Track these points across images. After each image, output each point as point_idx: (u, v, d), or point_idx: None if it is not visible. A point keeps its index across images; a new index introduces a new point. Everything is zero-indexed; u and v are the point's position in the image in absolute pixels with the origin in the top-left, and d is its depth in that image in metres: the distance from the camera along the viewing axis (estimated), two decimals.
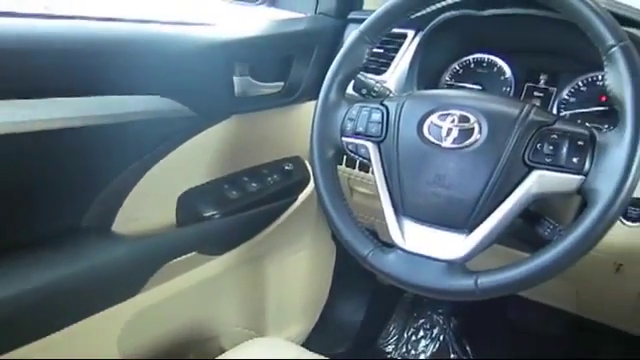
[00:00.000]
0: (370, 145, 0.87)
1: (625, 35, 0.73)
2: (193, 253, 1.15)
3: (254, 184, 1.23)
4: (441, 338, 1.72)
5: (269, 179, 1.26)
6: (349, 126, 0.90)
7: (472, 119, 0.80)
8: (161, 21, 1.04)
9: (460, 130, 0.80)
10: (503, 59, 1.14)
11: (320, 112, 0.92)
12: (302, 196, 1.33)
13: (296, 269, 1.53)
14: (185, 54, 1.02)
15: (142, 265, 1.07)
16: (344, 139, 0.90)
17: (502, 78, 1.13)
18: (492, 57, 1.14)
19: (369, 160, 0.88)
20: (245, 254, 1.31)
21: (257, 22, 1.20)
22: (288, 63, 1.25)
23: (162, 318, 1.22)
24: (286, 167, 1.30)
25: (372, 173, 0.88)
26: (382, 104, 0.89)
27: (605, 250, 0.94)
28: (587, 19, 0.75)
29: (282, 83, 1.26)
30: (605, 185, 0.70)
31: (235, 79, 1.17)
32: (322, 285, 1.67)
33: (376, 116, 0.87)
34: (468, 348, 1.70)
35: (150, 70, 0.98)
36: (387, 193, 0.85)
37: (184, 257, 1.13)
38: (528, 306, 1.43)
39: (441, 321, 1.74)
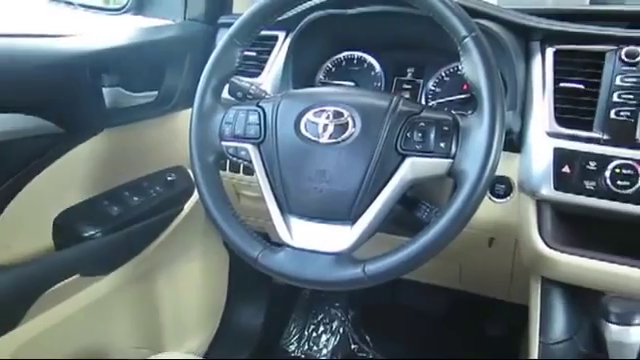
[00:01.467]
0: (250, 147, 0.88)
1: (475, 26, 0.79)
2: (76, 276, 1.10)
3: (136, 198, 1.19)
4: (341, 331, 1.76)
5: (152, 191, 1.23)
6: (227, 130, 0.89)
7: (346, 114, 0.83)
8: (15, 34, 0.98)
9: (335, 125, 0.82)
10: (372, 55, 1.18)
11: (196, 118, 0.91)
12: (188, 205, 1.31)
13: (190, 280, 1.50)
14: (44, 67, 0.97)
15: (19, 295, 1.00)
16: (223, 143, 0.90)
17: (373, 74, 1.18)
18: (362, 54, 1.19)
19: (250, 162, 0.88)
20: (134, 271, 1.27)
21: (123, 31, 1.17)
22: (161, 71, 1.23)
23: (49, 348, 1.14)
24: (169, 177, 1.27)
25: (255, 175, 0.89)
26: (258, 105, 0.89)
27: (479, 226, 1.01)
28: (441, 13, 0.80)
29: (156, 92, 1.23)
30: (471, 166, 0.75)
31: (105, 91, 1.12)
32: (218, 293, 1.65)
33: (253, 118, 0.88)
34: (367, 337, 1.75)
35: (8, 86, 0.92)
36: (271, 193, 0.86)
37: (66, 281, 1.07)
38: (418, 288, 1.50)
39: (339, 314, 1.78)
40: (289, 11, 1.01)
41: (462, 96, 1.09)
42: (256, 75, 1.18)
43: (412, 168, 0.79)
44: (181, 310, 1.49)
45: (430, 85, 1.13)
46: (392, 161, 0.80)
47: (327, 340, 1.76)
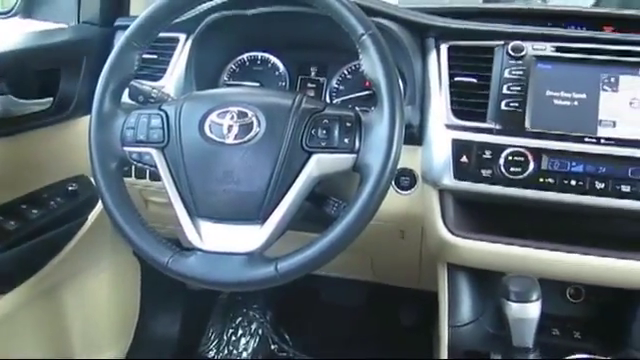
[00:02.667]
0: (154, 151, 0.86)
1: (372, 24, 0.82)
2: None
3: (35, 211, 1.13)
4: (260, 332, 1.76)
5: (52, 203, 1.17)
6: (129, 135, 0.87)
7: (250, 114, 0.83)
8: None
9: (240, 125, 0.82)
10: (275, 55, 1.19)
11: (96, 124, 0.88)
12: (93, 215, 1.26)
13: (100, 292, 1.45)
14: None
15: None
16: (126, 149, 0.88)
17: (277, 73, 1.18)
18: (265, 54, 1.19)
19: (155, 167, 0.86)
20: (37, 287, 1.20)
21: (10, 35, 1.10)
22: (55, 77, 1.17)
23: None
24: (70, 187, 1.21)
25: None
26: (160, 109, 0.88)
27: (387, 219, 1.05)
28: (338, 12, 0.82)
29: (52, 99, 1.17)
30: (374, 159, 0.78)
31: None
32: (131, 303, 1.60)
33: (156, 121, 0.86)
34: (287, 336, 1.76)
35: None
36: (178, 197, 0.84)
37: None
38: (334, 283, 1.52)
39: (257, 316, 1.77)
40: (188, 12, 1.00)
41: (365, 93, 1.12)
42: (158, 78, 1.15)
43: (318, 164, 0.80)
44: (92, 324, 1.44)
45: (334, 83, 1.15)
46: (298, 159, 0.81)
47: (247, 343, 1.75)
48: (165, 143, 0.85)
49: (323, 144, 0.80)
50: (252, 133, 0.82)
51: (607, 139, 0.93)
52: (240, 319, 1.78)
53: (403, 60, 1.03)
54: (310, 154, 0.81)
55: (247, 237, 0.81)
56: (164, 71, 1.16)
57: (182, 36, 1.17)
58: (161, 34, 0.93)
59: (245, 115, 0.83)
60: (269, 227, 0.80)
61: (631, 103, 0.95)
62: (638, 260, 0.94)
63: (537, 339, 0.88)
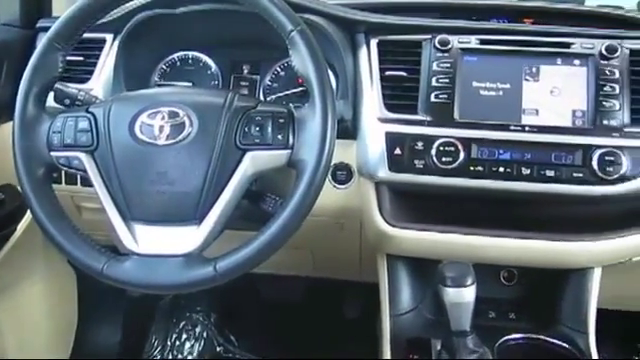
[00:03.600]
0: (83, 156, 0.83)
1: (300, 20, 0.82)
2: None
3: None
4: (205, 335, 1.74)
5: None
6: (56, 139, 0.84)
7: (181, 113, 0.82)
8: None
9: (172, 126, 0.81)
10: (207, 54, 1.18)
11: (19, 130, 0.85)
12: (22, 225, 1.21)
13: (34, 304, 1.40)
14: None
15: None
16: (53, 154, 0.85)
17: (209, 72, 1.17)
18: (196, 54, 1.18)
19: (85, 171, 0.84)
20: None
21: None
22: None
23: None
24: None
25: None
26: (88, 111, 0.85)
27: (325, 213, 1.06)
28: (266, 9, 0.82)
29: None
30: (308, 154, 0.79)
31: None
32: (68, 314, 1.55)
33: (83, 124, 0.84)
34: (232, 337, 1.75)
35: None
36: (111, 201, 0.82)
37: None
38: (276, 281, 1.52)
39: (201, 318, 1.75)
40: (114, 12, 0.97)
41: (298, 89, 1.12)
42: (85, 81, 1.12)
43: (253, 162, 0.80)
44: (28, 338, 1.38)
45: (267, 81, 1.15)
46: (233, 157, 0.80)
47: (191, 346, 1.72)
48: (94, 146, 0.83)
49: (257, 141, 0.80)
50: (184, 133, 0.81)
51: (531, 127, 0.97)
52: (184, 323, 1.75)
53: (334, 55, 1.04)
54: (244, 152, 0.80)
55: (184, 238, 0.80)
56: (91, 73, 1.13)
57: (109, 36, 1.14)
58: (87, 35, 0.91)
59: (176, 115, 0.82)
60: (206, 227, 0.80)
61: (552, 92, 0.99)
62: (565, 241, 0.99)
63: (474, 322, 0.91)
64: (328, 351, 1.59)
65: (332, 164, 1.02)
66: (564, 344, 1.01)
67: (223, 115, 0.81)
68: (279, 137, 0.80)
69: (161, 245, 0.80)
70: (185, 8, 1.07)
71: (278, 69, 1.15)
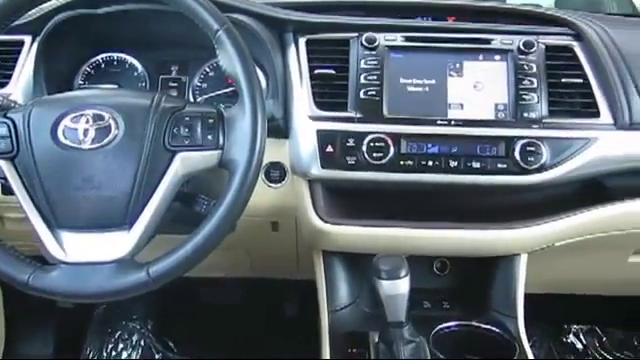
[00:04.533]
0: (2, 163, 0.80)
1: (226, 19, 0.82)
2: None
3: None
4: (142, 343, 1.70)
5: None
6: None
7: (107, 116, 0.80)
8: None
9: (97, 129, 0.79)
10: (133, 56, 1.15)
11: None
12: None
13: None
14: None
15: None
16: None
17: (135, 74, 1.15)
18: (121, 55, 1.15)
19: (5, 179, 0.80)
20: None
21: None
22: None
23: None
24: None
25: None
26: (6, 117, 0.82)
27: (260, 213, 1.06)
28: (192, 9, 0.82)
29: None
30: (239, 154, 0.78)
31: None
32: None
33: (2, 130, 0.81)
34: (171, 343, 1.72)
35: None
36: (35, 210, 0.79)
37: None
38: (213, 283, 1.51)
39: (138, 326, 1.72)
40: (31, 12, 0.94)
41: (229, 89, 1.12)
42: (3, 85, 1.07)
43: (183, 163, 0.80)
44: None
45: (196, 81, 1.14)
46: (162, 159, 0.79)
47: (129, 355, 1.68)
48: (14, 153, 0.80)
49: (187, 142, 0.80)
50: (111, 136, 0.79)
51: (457, 121, 1.01)
52: (119, 332, 1.70)
53: (263, 55, 1.04)
54: (174, 153, 0.80)
55: (114, 244, 0.78)
56: (9, 77, 1.08)
57: (27, 38, 1.09)
58: (2, 37, 0.87)
59: (102, 118, 0.80)
60: (137, 231, 0.78)
61: (475, 86, 1.03)
62: (494, 230, 1.03)
63: (410, 313, 0.93)
64: (269, 351, 1.59)
65: (265, 163, 1.03)
66: (495, 329, 1.05)
67: (150, 117, 0.80)
68: (209, 137, 0.79)
69: (90, 252, 0.78)
70: (108, 8, 1.04)
71: (207, 69, 1.14)
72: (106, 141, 0.79)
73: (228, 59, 0.80)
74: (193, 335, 1.72)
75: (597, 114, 1.02)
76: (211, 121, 0.80)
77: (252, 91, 0.79)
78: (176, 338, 1.72)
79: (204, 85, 1.14)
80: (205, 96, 1.13)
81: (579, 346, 1.78)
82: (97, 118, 0.80)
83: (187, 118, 0.80)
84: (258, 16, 1.05)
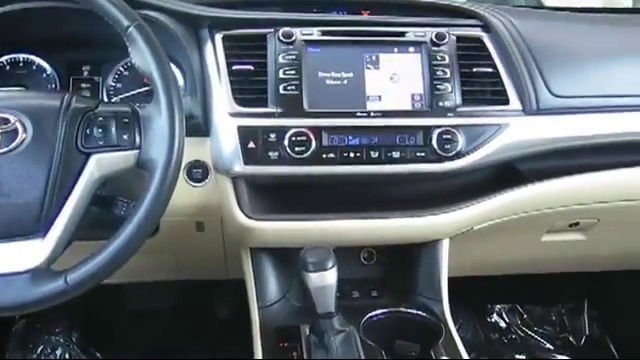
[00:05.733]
0: None
1: (137, 16, 0.80)
2: None
3: None
4: (67, 356, 1.63)
5: None
6: None
7: (12, 119, 0.76)
8: None
9: (3, 133, 0.76)
10: (41, 56, 1.10)
11: None
12: None
13: None
14: None
15: None
16: None
17: (44, 76, 1.10)
18: (28, 56, 1.10)
19: None
20: None
21: None
22: None
23: None
24: None
25: None
26: None
27: (185, 213, 1.04)
28: (100, 6, 0.79)
29: None
30: (158, 153, 0.77)
31: None
32: None
33: None
34: (98, 354, 1.66)
35: None
36: None
37: None
38: (141, 289, 1.47)
39: (62, 340, 1.64)
40: None
41: (145, 89, 1.09)
42: None
43: (98, 165, 0.77)
44: None
45: (110, 81, 1.10)
46: (76, 161, 0.77)
47: None
48: None
49: (101, 143, 0.77)
50: (18, 140, 0.75)
51: (375, 112, 1.03)
52: (42, 347, 1.63)
53: (178, 52, 1.02)
54: (88, 155, 0.77)
55: (28, 253, 0.74)
56: None
57: None
58: None
59: (7, 121, 0.76)
60: (52, 239, 0.75)
61: (392, 78, 1.05)
62: (417, 217, 1.06)
63: (339, 303, 0.94)
64: (203, 353, 1.57)
65: (186, 162, 1.01)
66: (422, 313, 1.08)
67: (60, 118, 0.77)
68: (125, 137, 0.77)
69: (2, 263, 0.74)
70: (11, 6, 0.99)
71: (121, 69, 1.10)
72: (13, 145, 0.75)
73: (141, 56, 0.78)
74: (121, 344, 1.67)
75: (507, 101, 1.07)
76: (126, 120, 0.78)
77: (167, 88, 0.77)
78: (103, 349, 1.66)
79: (119, 85, 1.10)
80: (120, 96, 1.09)
81: (502, 324, 1.87)
82: (2, 122, 0.76)
83: (100, 118, 0.78)
84: (171, 12, 1.02)
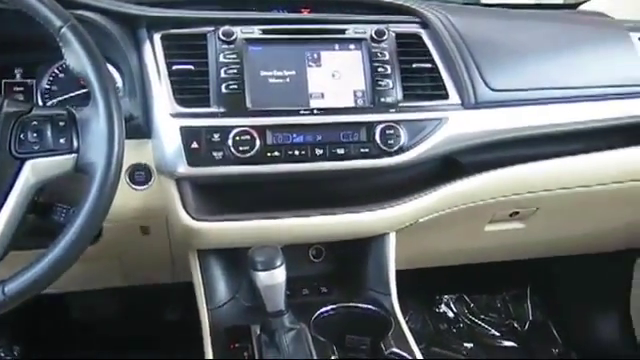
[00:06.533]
0: None
1: (70, 16, 0.77)
2: None
3: None
4: None
5: None
6: None
7: None
8: None
9: None
10: None
11: None
12: None
13: None
14: None
15: None
16: None
17: None
18: None
19: None
20: None
21: None
22: None
23: None
24: None
25: None
26: None
27: (128, 217, 1.02)
28: (31, 6, 0.76)
29: None
30: (97, 156, 0.75)
31: None
32: None
33: None
34: None
35: None
36: None
37: None
38: (85, 298, 1.43)
39: (3, 354, 1.58)
40: None
41: (82, 91, 1.06)
42: None
43: (34, 170, 0.75)
44: None
45: (44, 84, 1.07)
46: (9, 168, 0.74)
47: None
48: None
49: (36, 148, 0.75)
50: None
51: (319, 109, 1.03)
52: None
53: (115, 52, 0.99)
54: (23, 161, 0.74)
55: None
56: None
57: None
58: None
59: None
60: None
61: (334, 75, 1.06)
62: (363, 212, 1.07)
63: (289, 301, 0.94)
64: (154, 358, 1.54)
65: (128, 165, 0.99)
66: (372, 307, 1.10)
67: None
68: (61, 141, 0.75)
69: None
70: None
71: (56, 71, 1.07)
72: None
73: (75, 58, 0.76)
74: (68, 355, 1.61)
75: (446, 96, 1.09)
76: (62, 124, 0.75)
77: (104, 89, 0.75)
78: None
79: (54, 88, 1.07)
80: (56, 99, 1.06)
81: (450, 314, 1.92)
82: None
83: (35, 122, 0.75)
84: (105, 12, 0.99)
